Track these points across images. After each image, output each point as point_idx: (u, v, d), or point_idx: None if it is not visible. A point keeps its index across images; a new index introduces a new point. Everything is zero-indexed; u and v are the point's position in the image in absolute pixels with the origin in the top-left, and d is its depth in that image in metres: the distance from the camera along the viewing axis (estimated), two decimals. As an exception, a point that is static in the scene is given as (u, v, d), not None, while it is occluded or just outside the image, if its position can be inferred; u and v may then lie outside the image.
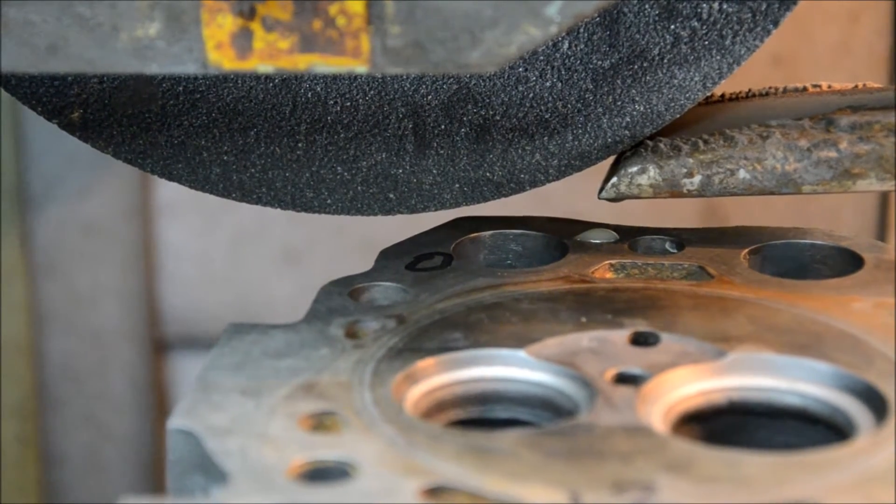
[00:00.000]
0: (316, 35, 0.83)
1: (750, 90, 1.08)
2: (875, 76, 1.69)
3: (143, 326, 1.75)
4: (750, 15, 1.00)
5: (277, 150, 1.07)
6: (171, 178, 1.08)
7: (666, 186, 1.03)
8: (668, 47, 1.02)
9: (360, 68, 0.83)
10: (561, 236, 1.06)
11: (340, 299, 0.97)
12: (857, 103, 1.03)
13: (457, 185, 1.07)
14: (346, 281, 1.00)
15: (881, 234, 1.74)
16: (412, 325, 0.93)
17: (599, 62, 1.04)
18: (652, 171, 1.03)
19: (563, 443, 0.79)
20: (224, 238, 1.73)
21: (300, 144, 1.07)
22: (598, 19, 1.03)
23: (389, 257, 1.04)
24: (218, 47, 0.83)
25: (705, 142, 1.02)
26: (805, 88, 1.07)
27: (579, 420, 0.82)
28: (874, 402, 0.83)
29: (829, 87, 1.07)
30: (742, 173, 1.02)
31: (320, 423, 0.82)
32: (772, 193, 1.02)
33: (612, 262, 1.02)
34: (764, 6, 1.00)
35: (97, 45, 0.84)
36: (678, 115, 1.03)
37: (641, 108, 1.03)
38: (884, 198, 1.73)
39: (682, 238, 1.05)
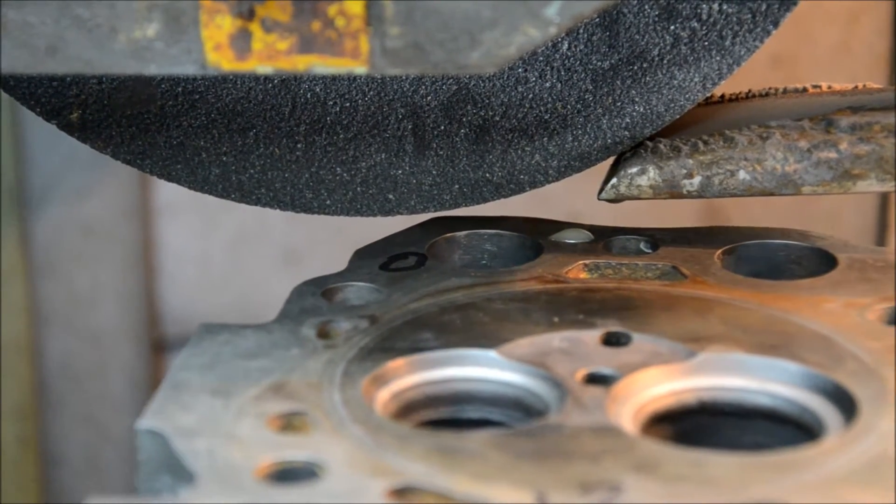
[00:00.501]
0: (315, 36, 0.83)
1: (750, 91, 1.08)
2: (875, 77, 1.69)
3: (143, 327, 1.75)
4: (750, 16, 1.00)
5: (277, 150, 1.07)
6: (170, 179, 1.08)
7: (666, 187, 1.02)
8: (668, 48, 1.02)
9: (360, 69, 0.83)
10: (535, 236, 1.06)
11: (313, 299, 0.97)
12: (857, 104, 1.03)
13: (456, 186, 1.07)
14: (320, 281, 1.00)
15: (881, 235, 1.74)
16: (384, 326, 0.93)
17: (599, 63, 1.04)
18: (652, 172, 1.02)
19: (531, 443, 0.79)
20: (223, 239, 1.73)
21: (299, 145, 1.07)
22: (597, 20, 1.03)
23: (363, 257, 1.04)
24: (217, 48, 0.83)
25: (705, 143, 1.02)
26: (805, 89, 1.07)
27: (548, 420, 0.82)
28: (843, 402, 0.83)
29: (829, 87, 1.07)
30: (742, 174, 1.02)
31: (289, 423, 0.82)
32: (772, 194, 1.02)
33: (587, 262, 1.02)
34: (764, 7, 1.00)
35: (96, 46, 0.84)
36: (678, 116, 1.03)
37: (641, 109, 1.03)
38: (884, 198, 1.73)
39: (656, 238, 1.05)
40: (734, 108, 1.07)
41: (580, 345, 0.89)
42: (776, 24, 1.00)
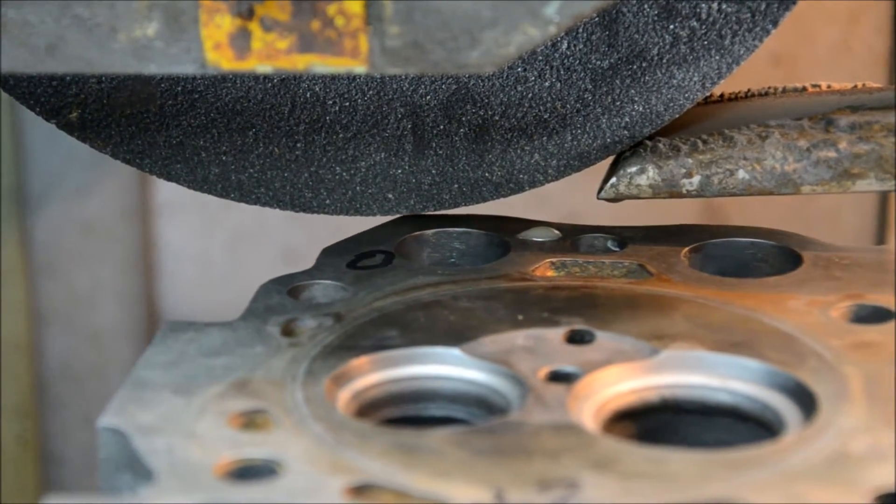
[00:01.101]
0: (314, 35, 0.83)
1: (749, 90, 1.08)
2: (875, 76, 1.68)
3: (143, 326, 1.75)
4: (749, 15, 1.00)
5: (276, 150, 1.07)
6: (169, 178, 1.08)
7: (665, 187, 1.02)
8: (667, 47, 1.02)
9: (359, 68, 0.83)
10: (503, 234, 1.06)
11: (279, 297, 0.97)
12: (856, 103, 1.03)
13: (456, 186, 1.07)
14: (286, 279, 1.00)
15: (881, 235, 1.74)
16: (349, 323, 0.93)
17: (598, 62, 1.04)
18: (651, 172, 1.02)
19: (490, 441, 0.80)
20: (223, 238, 1.73)
21: (299, 144, 1.07)
22: (596, 19, 1.03)
23: (331, 255, 1.04)
24: (216, 47, 0.83)
25: (704, 142, 1.02)
26: (804, 88, 1.07)
27: (509, 418, 0.83)
28: (804, 399, 0.84)
29: (829, 87, 1.07)
30: (741, 173, 1.02)
31: (251, 421, 0.82)
32: (771, 194, 1.02)
33: (553, 260, 1.02)
34: (763, 6, 1.00)
35: (95, 45, 0.84)
36: (677, 116, 1.03)
37: (640, 109, 1.03)
38: (884, 198, 1.72)
39: (624, 236, 1.05)
40: (733, 107, 1.07)
41: (544, 343, 0.90)
42: (775, 24, 1.00)
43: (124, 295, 1.73)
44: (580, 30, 1.03)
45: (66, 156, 1.66)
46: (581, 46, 1.04)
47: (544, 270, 1.02)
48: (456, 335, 0.91)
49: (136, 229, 1.71)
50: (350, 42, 0.83)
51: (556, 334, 0.90)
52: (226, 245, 1.74)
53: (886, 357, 0.86)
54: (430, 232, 1.07)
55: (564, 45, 1.04)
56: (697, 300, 0.95)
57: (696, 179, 1.02)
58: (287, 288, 0.98)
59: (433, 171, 1.07)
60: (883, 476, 0.75)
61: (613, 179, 1.03)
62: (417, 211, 1.08)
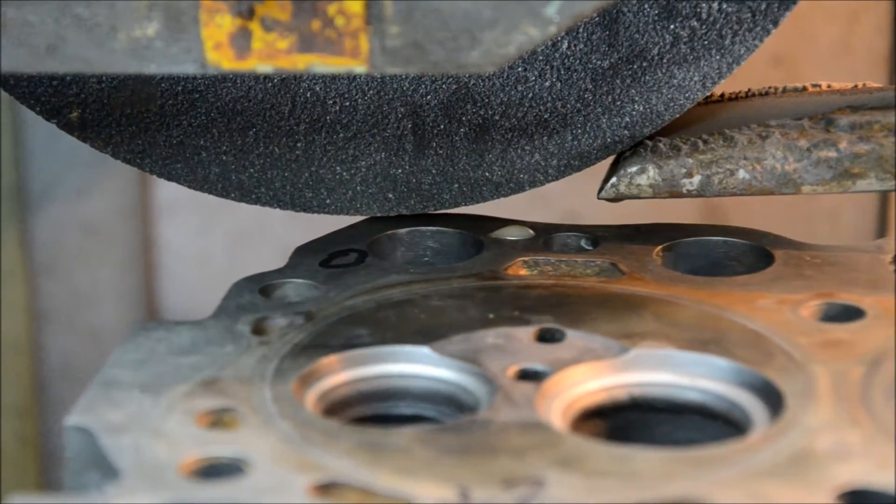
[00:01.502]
0: (315, 35, 0.83)
1: (750, 90, 1.08)
2: (875, 76, 1.68)
3: (143, 326, 1.75)
4: (749, 14, 1.00)
5: (276, 149, 1.07)
6: (170, 178, 1.08)
7: (665, 186, 1.02)
8: (668, 47, 1.02)
9: (359, 68, 0.83)
10: (477, 233, 1.06)
11: (251, 296, 0.97)
12: (856, 103, 1.03)
13: (456, 185, 1.07)
14: (259, 278, 1.00)
15: (881, 234, 1.74)
16: (320, 322, 0.93)
17: (599, 62, 1.04)
18: (651, 171, 1.02)
19: (457, 439, 0.80)
20: (223, 238, 1.73)
21: (299, 144, 1.07)
22: (597, 19, 1.03)
23: (304, 254, 1.04)
24: (217, 47, 0.83)
25: (705, 142, 1.02)
26: (805, 88, 1.07)
27: (476, 416, 0.83)
28: (771, 397, 0.84)
29: (829, 86, 1.07)
30: (741, 173, 1.02)
31: (219, 419, 0.82)
32: (771, 193, 1.02)
33: (526, 258, 1.02)
34: (763, 6, 1.00)
35: (95, 45, 0.84)
36: (677, 115, 1.03)
37: (641, 108, 1.03)
38: (884, 198, 1.72)
39: (597, 235, 1.05)
40: (734, 107, 1.07)
41: (514, 341, 0.90)
42: (776, 23, 1.00)
43: (124, 295, 1.73)
44: (580, 29, 1.03)
45: (66, 156, 1.66)
46: (581, 46, 1.04)
47: (517, 269, 1.02)
48: (426, 334, 0.91)
49: (136, 229, 1.71)
50: (350, 42, 0.83)
51: (526, 333, 0.91)
52: (226, 245, 1.74)
53: (854, 355, 0.87)
54: (403, 231, 1.07)
55: (565, 45, 1.04)
56: (668, 299, 0.95)
57: (697, 179, 1.02)
58: (259, 287, 0.98)
59: (433, 171, 1.07)
60: (847, 474, 0.75)
61: (614, 179, 1.03)
62: (417, 210, 1.08)
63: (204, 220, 1.73)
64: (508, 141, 1.05)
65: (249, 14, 0.82)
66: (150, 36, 0.84)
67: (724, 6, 1.00)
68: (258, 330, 0.93)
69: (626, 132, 1.04)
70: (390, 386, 0.90)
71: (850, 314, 0.92)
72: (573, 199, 1.58)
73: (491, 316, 0.93)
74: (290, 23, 0.82)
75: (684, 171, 1.02)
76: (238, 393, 0.84)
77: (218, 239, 1.74)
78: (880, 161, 1.01)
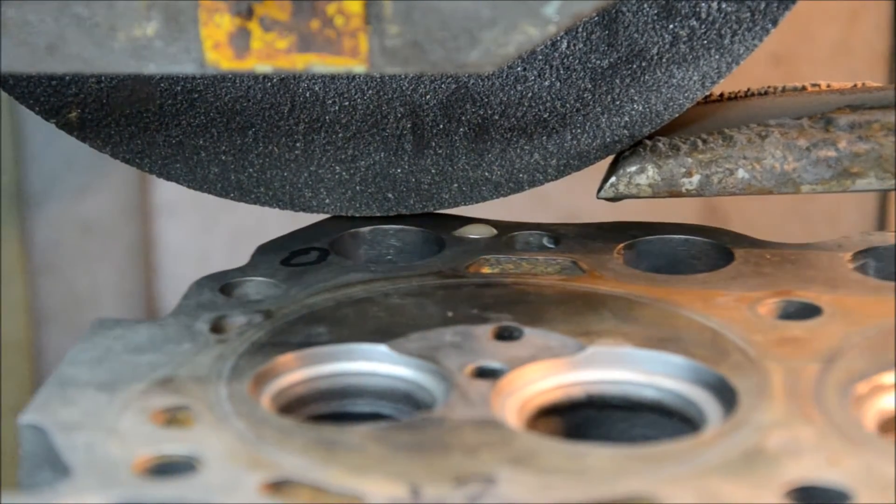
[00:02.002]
0: (314, 35, 0.83)
1: (749, 89, 1.08)
2: (875, 75, 1.68)
3: (143, 326, 1.75)
4: (749, 14, 1.00)
5: (276, 149, 1.07)
6: (169, 178, 1.08)
7: (665, 186, 1.02)
8: (667, 46, 1.02)
9: (359, 68, 0.83)
10: (440, 232, 1.06)
11: (210, 294, 0.97)
12: (856, 102, 1.03)
13: (455, 185, 1.07)
14: (219, 276, 1.00)
15: (881, 234, 1.73)
16: (279, 320, 0.93)
17: (598, 61, 1.04)
18: (651, 171, 1.02)
19: (411, 436, 0.80)
20: (222, 237, 1.73)
21: (298, 144, 1.07)
22: (596, 19, 1.03)
23: (266, 252, 1.04)
24: (216, 47, 0.83)
25: (704, 141, 1.02)
26: (804, 87, 1.07)
27: (432, 414, 0.83)
28: (725, 394, 0.84)
29: (829, 86, 1.07)
30: (741, 173, 1.02)
31: (173, 417, 0.82)
32: (771, 193, 1.02)
33: (488, 257, 1.02)
34: (763, 5, 1.00)
35: (95, 44, 0.84)
36: (677, 115, 1.03)
37: (640, 108, 1.03)
38: (884, 197, 1.72)
39: (559, 233, 1.06)
40: (733, 106, 1.07)
41: (471, 339, 0.90)
42: (775, 23, 1.00)
43: (124, 295, 1.73)
44: (580, 29, 1.03)
45: (65, 155, 1.66)
46: (581, 46, 1.04)
47: (478, 267, 1.02)
48: (384, 332, 0.91)
49: (135, 229, 1.71)
50: (349, 41, 0.83)
51: (484, 331, 0.91)
52: (225, 244, 1.74)
53: (809, 353, 0.87)
54: (365, 229, 1.08)
55: (564, 45, 1.04)
56: (627, 297, 0.96)
57: (696, 179, 1.02)
58: (220, 285, 0.98)
59: (433, 171, 1.07)
60: (796, 471, 0.75)
61: (613, 179, 1.03)
62: (417, 210, 1.08)
63: (203, 220, 1.73)
64: (508, 141, 1.05)
65: (248, 14, 0.82)
66: (150, 36, 0.84)
67: (724, 6, 1.00)
68: (217, 328, 0.93)
69: (625, 132, 1.04)
70: (347, 384, 0.90)
71: (807, 312, 0.93)
72: (573, 198, 1.58)
73: (450, 314, 0.93)
74: (289, 22, 0.82)
75: (683, 170, 1.02)
76: (194, 391, 0.84)
77: (217, 239, 1.74)
78: (880, 160, 1.01)
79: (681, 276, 1.00)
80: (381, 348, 0.89)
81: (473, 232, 1.06)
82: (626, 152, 1.04)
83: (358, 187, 1.07)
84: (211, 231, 1.73)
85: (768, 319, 0.92)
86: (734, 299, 0.94)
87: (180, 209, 1.72)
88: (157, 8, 0.83)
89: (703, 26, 1.01)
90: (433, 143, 1.06)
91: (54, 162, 1.66)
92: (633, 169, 1.03)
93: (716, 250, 1.03)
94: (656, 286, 0.97)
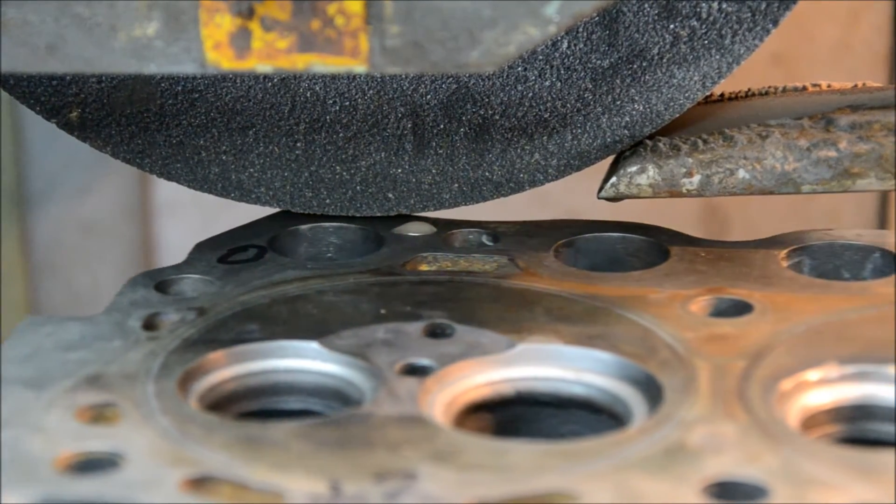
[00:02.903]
0: (314, 35, 0.83)
1: (749, 89, 1.08)
2: (875, 75, 1.69)
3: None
4: (749, 14, 1.00)
5: (276, 149, 1.07)
6: (169, 178, 1.08)
7: (665, 186, 1.02)
8: (668, 47, 1.02)
9: (359, 68, 0.83)
10: (379, 229, 1.06)
11: (145, 291, 0.97)
12: (856, 102, 1.03)
13: (456, 185, 1.07)
14: (156, 273, 1.00)
15: (881, 234, 1.73)
16: (211, 317, 0.93)
17: (598, 62, 1.04)
18: (651, 171, 1.02)
19: (335, 433, 0.80)
20: (223, 237, 1.73)
21: (299, 144, 1.07)
22: (597, 19, 1.03)
23: (204, 250, 1.04)
24: (216, 47, 0.83)
25: (704, 141, 1.02)
26: (805, 88, 1.07)
27: (358, 410, 0.83)
28: (651, 391, 0.85)
29: (829, 86, 1.07)
30: (741, 173, 1.02)
31: (100, 414, 0.82)
32: (771, 193, 1.02)
33: (425, 254, 1.03)
34: (763, 5, 1.00)
35: (95, 44, 0.84)
36: (677, 115, 1.03)
37: (641, 108, 1.03)
38: (884, 197, 1.72)
39: (498, 232, 1.06)
40: (734, 106, 1.07)
41: (403, 336, 0.90)
42: (776, 23, 1.00)
43: (124, 294, 1.73)
44: (580, 29, 1.03)
45: (66, 155, 1.66)
46: (581, 46, 1.04)
47: (415, 265, 1.02)
48: (316, 329, 0.91)
49: (136, 228, 1.71)
50: (350, 42, 0.83)
51: (415, 328, 0.91)
52: (226, 244, 1.74)
53: (737, 350, 0.88)
54: (305, 227, 1.08)
55: (565, 45, 1.04)
56: (561, 294, 0.96)
57: (697, 179, 1.02)
58: (155, 282, 0.98)
59: (433, 171, 1.07)
60: (715, 467, 0.76)
61: (613, 179, 1.03)
62: (417, 210, 1.08)
63: (204, 220, 1.73)
64: (508, 141, 1.05)
65: (249, 14, 0.82)
66: (150, 35, 0.84)
67: (724, 6, 1.00)
68: (149, 325, 0.93)
69: (625, 132, 1.04)
70: (278, 381, 0.90)
71: (738, 309, 0.93)
72: (573, 198, 1.58)
73: (383, 311, 0.93)
74: (289, 22, 0.82)
75: (684, 170, 1.02)
76: (121, 388, 0.84)
77: (218, 239, 1.73)
78: (880, 161, 1.01)
79: (615, 273, 1.00)
80: (313, 345, 0.89)
81: (413, 230, 1.07)
82: (626, 152, 1.04)
83: (358, 187, 1.07)
84: (211, 231, 1.73)
85: (699, 317, 0.92)
86: (667, 297, 0.95)
87: (180, 209, 1.72)
88: (157, 8, 0.83)
89: (703, 26, 1.01)
90: (434, 143, 1.06)
91: (54, 162, 1.66)
92: (633, 169, 1.03)
93: (651, 248, 1.04)
94: (591, 284, 0.97)
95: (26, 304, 1.70)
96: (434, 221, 1.08)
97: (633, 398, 0.86)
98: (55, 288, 1.71)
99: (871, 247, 1.02)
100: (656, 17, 1.02)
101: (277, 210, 1.09)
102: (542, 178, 1.06)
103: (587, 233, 1.05)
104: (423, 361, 0.87)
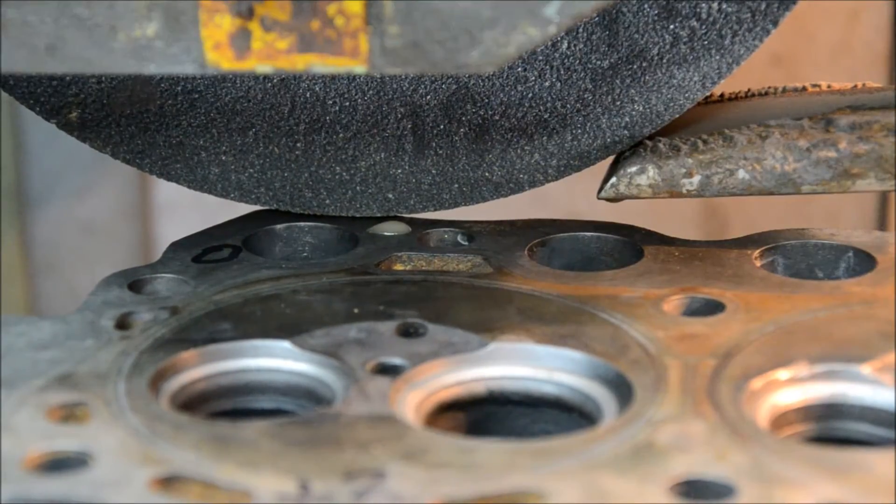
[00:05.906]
0: (314, 35, 0.83)
1: (749, 90, 1.08)
2: (875, 75, 1.69)
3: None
4: (749, 14, 1.00)
5: (276, 150, 1.07)
6: (169, 178, 1.08)
7: (665, 186, 1.02)
8: (668, 47, 1.02)
9: (359, 68, 0.83)
10: (354, 229, 1.07)
11: (118, 291, 0.97)
12: (856, 103, 1.03)
13: (456, 186, 1.07)
14: (129, 273, 1.00)
15: (881, 234, 1.73)
16: (184, 317, 0.93)
17: (598, 62, 1.04)
18: (651, 171, 1.02)
19: (305, 432, 0.80)
20: (223, 237, 1.73)
21: (299, 144, 1.07)
22: (597, 19, 1.03)
23: (178, 249, 1.04)
24: (216, 47, 0.83)
25: (704, 142, 1.02)
26: (804, 88, 1.07)
27: (328, 410, 0.83)
28: (622, 390, 0.85)
29: (829, 86, 1.07)
30: (741, 173, 1.02)
31: (70, 413, 0.82)
32: (771, 193, 1.02)
33: (400, 253, 1.03)
34: (763, 6, 1.00)
35: (95, 45, 0.84)
36: (677, 115, 1.03)
37: (640, 108, 1.03)
38: (883, 197, 1.73)
39: (473, 231, 1.06)
40: (734, 107, 1.07)
41: (375, 335, 0.90)
42: (775, 23, 1.00)
43: (124, 294, 1.73)
44: (580, 30, 1.03)
45: (66, 155, 1.66)
46: (581, 46, 1.04)
47: (390, 264, 1.02)
48: (289, 328, 0.91)
49: (136, 229, 1.71)
50: (350, 42, 0.83)
51: (388, 327, 0.91)
52: (226, 245, 1.74)
53: (708, 349, 0.88)
54: (280, 226, 1.08)
55: (564, 45, 1.04)
56: (534, 293, 0.96)
57: (697, 179, 1.02)
58: (129, 282, 0.98)
59: (433, 171, 1.07)
60: (683, 465, 0.76)
61: (613, 179, 1.03)
62: (417, 211, 1.08)
63: (204, 221, 1.73)
64: (508, 141, 1.05)
65: (249, 14, 0.82)
66: (150, 36, 0.84)
67: (724, 6, 1.00)
68: (122, 325, 0.93)
69: (625, 132, 1.04)
70: (250, 380, 0.90)
71: (710, 308, 0.93)
72: (573, 199, 1.58)
73: (356, 310, 0.93)
74: (289, 23, 0.82)
75: (684, 171, 1.02)
76: (92, 387, 0.84)
77: (218, 239, 1.73)
78: (880, 161, 1.01)
79: (589, 273, 1.00)
80: (285, 345, 0.90)
81: (388, 229, 1.07)
82: (626, 153, 1.04)
83: (358, 188, 1.07)
84: (211, 231, 1.73)
85: (671, 316, 0.93)
86: (640, 296, 0.95)
87: (180, 209, 1.72)
88: (157, 8, 0.83)
89: (703, 27, 1.01)
90: (433, 144, 1.06)
91: (54, 162, 1.66)
92: (633, 169, 1.03)
93: (626, 247, 1.04)
94: (564, 283, 0.98)
95: (26, 304, 1.70)
96: (410, 221, 1.08)
97: (603, 397, 0.86)
98: (55, 288, 1.71)
99: (844, 246, 1.02)
100: (656, 18, 1.02)
101: (254, 209, 1.09)
102: (541, 178, 1.06)
103: (562, 232, 1.06)
104: (395, 361, 0.87)
